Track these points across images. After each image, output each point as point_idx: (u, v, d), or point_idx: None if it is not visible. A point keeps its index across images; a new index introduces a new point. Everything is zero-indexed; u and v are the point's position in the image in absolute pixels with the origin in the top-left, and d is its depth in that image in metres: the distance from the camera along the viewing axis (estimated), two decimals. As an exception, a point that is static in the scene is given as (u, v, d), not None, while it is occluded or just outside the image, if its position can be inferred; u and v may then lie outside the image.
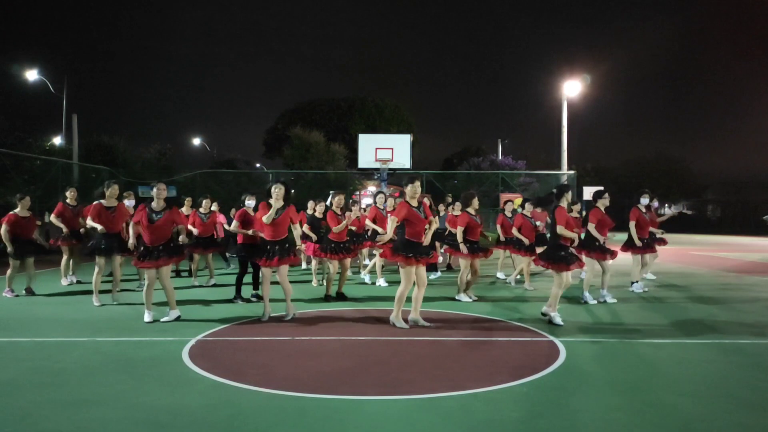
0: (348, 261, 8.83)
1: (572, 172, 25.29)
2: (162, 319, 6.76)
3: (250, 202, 8.46)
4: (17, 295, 8.62)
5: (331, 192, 9.05)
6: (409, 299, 6.67)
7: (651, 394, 4.32)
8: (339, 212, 8.77)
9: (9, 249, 8.47)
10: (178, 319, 6.81)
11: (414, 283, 6.57)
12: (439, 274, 11.60)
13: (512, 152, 42.01)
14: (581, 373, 4.84)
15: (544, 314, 6.99)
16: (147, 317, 6.76)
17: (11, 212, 8.62)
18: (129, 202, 9.05)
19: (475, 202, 8.50)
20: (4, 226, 8.44)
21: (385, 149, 19.40)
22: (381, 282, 10.16)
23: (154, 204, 6.81)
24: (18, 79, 26.27)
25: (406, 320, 6.63)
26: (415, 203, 6.52)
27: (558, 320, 6.76)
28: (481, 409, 3.96)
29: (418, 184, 6.58)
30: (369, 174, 24.31)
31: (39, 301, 8.27)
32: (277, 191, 6.99)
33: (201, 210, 10.25)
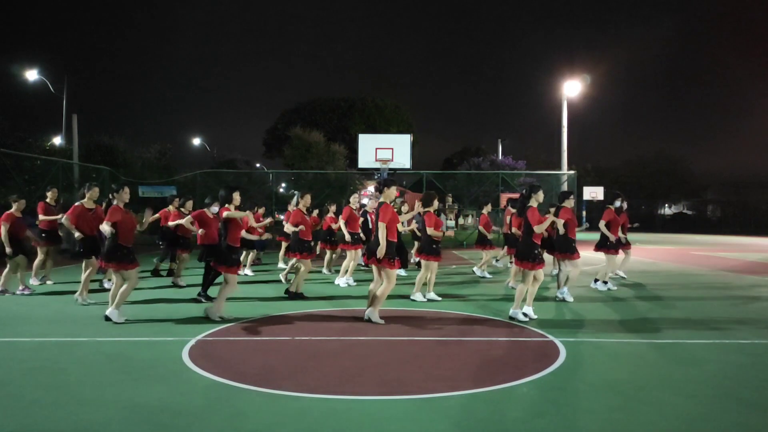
0: (310, 261, 8.91)
1: (572, 172, 25.30)
2: (119, 320, 6.70)
3: (214, 209, 8.48)
4: (32, 293, 8.76)
5: (295, 192, 9.16)
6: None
7: (651, 394, 4.32)
8: (306, 212, 8.96)
9: (8, 250, 8.58)
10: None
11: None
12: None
13: (512, 152, 42.09)
14: (581, 373, 4.85)
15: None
16: (121, 318, 6.73)
17: (7, 212, 8.72)
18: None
19: (436, 203, 8.52)
20: (3, 226, 8.53)
21: (385, 149, 19.40)
22: (348, 281, 10.19)
23: (121, 205, 6.88)
24: (18, 79, 26.32)
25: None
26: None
27: (522, 317, 6.96)
28: (481, 409, 3.96)
29: (395, 188, 6.97)
30: (369, 174, 24.32)
31: (39, 302, 8.27)
32: (237, 196, 7.07)
33: (183, 210, 10.29)
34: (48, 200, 9.82)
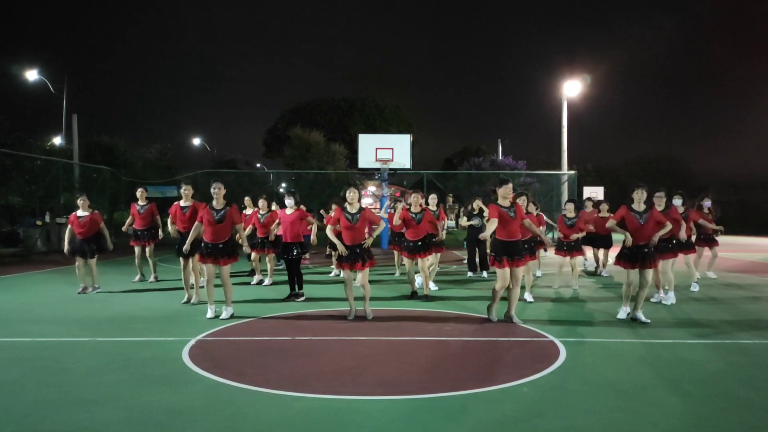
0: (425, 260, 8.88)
1: (573, 172, 25.29)
2: (222, 316, 6.94)
3: (290, 201, 8.62)
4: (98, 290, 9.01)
5: (399, 199, 9.26)
6: (503, 298, 6.96)
7: (651, 394, 4.33)
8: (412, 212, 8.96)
9: (67, 248, 8.88)
10: (232, 316, 7.00)
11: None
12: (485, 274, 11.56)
13: (512, 152, 42.02)
14: (581, 373, 4.85)
15: (636, 318, 6.93)
16: (210, 313, 6.98)
17: (74, 213, 8.94)
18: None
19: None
20: (69, 227, 8.86)
21: (385, 149, 19.38)
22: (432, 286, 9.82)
23: (214, 203, 7.07)
24: (18, 79, 26.33)
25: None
26: (507, 204, 6.68)
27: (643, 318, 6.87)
28: (481, 409, 3.96)
29: (510, 185, 6.73)
30: (370, 174, 24.31)
31: (41, 302, 8.28)
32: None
33: (260, 210, 10.25)
34: (138, 200, 10.20)
